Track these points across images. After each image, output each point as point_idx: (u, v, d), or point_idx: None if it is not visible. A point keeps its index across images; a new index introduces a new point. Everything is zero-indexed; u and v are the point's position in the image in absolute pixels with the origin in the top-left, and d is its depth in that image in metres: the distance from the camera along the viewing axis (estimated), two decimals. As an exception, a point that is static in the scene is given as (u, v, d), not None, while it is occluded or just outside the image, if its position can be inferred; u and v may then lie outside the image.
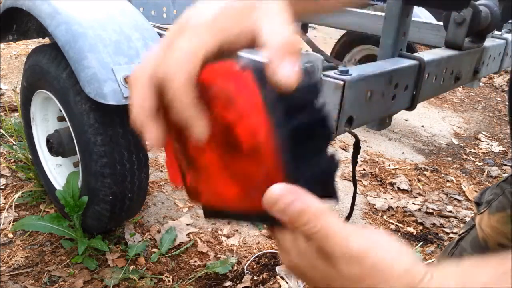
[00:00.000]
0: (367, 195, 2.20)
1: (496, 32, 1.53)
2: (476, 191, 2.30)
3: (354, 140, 0.91)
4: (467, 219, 1.61)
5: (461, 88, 4.32)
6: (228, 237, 1.76)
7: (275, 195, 0.32)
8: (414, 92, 1.08)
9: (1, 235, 1.62)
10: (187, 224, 1.80)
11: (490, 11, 1.16)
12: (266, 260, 1.63)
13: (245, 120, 0.32)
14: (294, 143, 0.32)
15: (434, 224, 2.01)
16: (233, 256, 1.63)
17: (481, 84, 4.40)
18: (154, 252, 1.61)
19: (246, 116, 0.32)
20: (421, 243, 1.85)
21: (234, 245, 1.71)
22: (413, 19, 1.18)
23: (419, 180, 2.40)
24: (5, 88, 3.01)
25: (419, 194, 2.27)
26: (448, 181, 2.43)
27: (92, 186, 1.40)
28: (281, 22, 0.35)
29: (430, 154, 2.79)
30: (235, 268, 1.57)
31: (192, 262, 1.59)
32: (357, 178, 2.18)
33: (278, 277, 1.54)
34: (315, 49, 2.29)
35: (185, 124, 0.33)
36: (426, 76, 1.09)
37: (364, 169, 2.46)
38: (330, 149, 0.35)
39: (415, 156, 2.73)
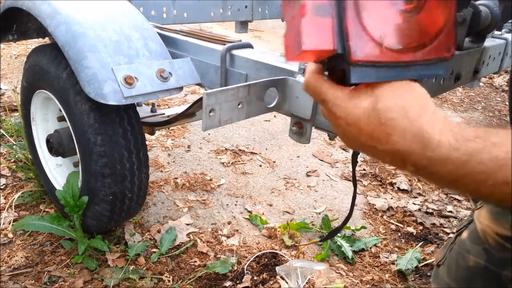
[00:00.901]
0: (367, 195, 2.20)
1: (496, 32, 1.53)
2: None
3: (354, 140, 0.91)
4: (467, 219, 1.62)
5: (461, 88, 4.31)
6: (228, 237, 1.76)
7: None
8: (414, 92, 1.08)
9: (1, 235, 1.62)
10: (187, 224, 1.80)
11: (490, 11, 1.16)
12: (266, 260, 1.63)
13: None
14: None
15: (434, 224, 2.01)
16: (233, 256, 1.63)
17: (481, 84, 4.39)
18: (154, 252, 1.61)
19: None
20: (421, 243, 1.85)
21: (234, 245, 1.71)
22: (413, 19, 1.17)
23: (419, 180, 2.40)
24: (5, 88, 3.01)
25: (419, 194, 2.27)
26: (448, 181, 2.42)
27: (92, 186, 1.40)
28: None
29: (430, 154, 2.79)
30: (235, 268, 1.57)
31: (192, 262, 1.59)
32: (357, 178, 2.18)
33: (278, 277, 1.54)
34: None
35: None
36: (426, 76, 1.08)
37: (364, 169, 2.46)
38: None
39: (415, 156, 2.73)
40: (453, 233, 1.95)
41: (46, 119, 1.70)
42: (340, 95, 0.48)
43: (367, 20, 0.42)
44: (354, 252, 1.73)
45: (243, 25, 2.34)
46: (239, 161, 2.39)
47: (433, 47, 0.44)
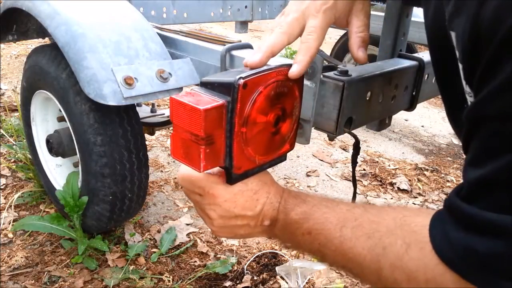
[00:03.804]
0: (367, 195, 2.20)
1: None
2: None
3: (354, 140, 0.91)
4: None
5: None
6: (228, 237, 1.76)
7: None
8: (414, 93, 1.08)
9: (1, 235, 1.62)
10: (187, 224, 1.80)
11: None
12: (266, 260, 1.63)
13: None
14: None
15: (434, 224, 2.01)
16: (233, 256, 1.63)
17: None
18: (154, 252, 1.61)
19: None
20: (421, 243, 1.85)
21: (234, 245, 1.71)
22: (412, 19, 1.18)
23: (419, 180, 2.40)
24: (5, 88, 3.01)
25: (419, 194, 2.27)
26: (448, 181, 2.43)
27: (92, 186, 1.40)
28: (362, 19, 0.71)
29: (430, 154, 2.79)
30: (235, 268, 1.58)
31: (192, 262, 1.59)
32: (357, 178, 2.18)
33: (278, 277, 1.54)
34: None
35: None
36: (426, 76, 1.09)
37: (364, 169, 2.46)
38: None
39: (415, 156, 2.73)
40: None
41: (46, 119, 1.70)
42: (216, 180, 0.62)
43: (247, 146, 0.60)
44: (354, 252, 1.73)
45: (243, 25, 2.34)
46: (239, 161, 2.38)
47: (283, 147, 0.67)
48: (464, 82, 0.47)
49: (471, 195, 0.44)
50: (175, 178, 2.13)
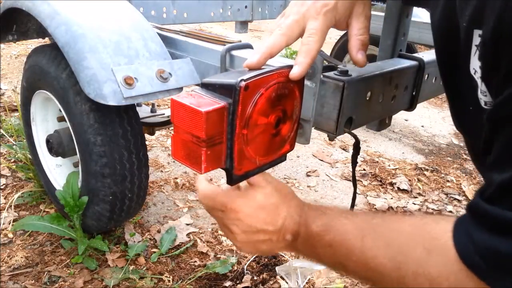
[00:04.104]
0: (367, 195, 2.20)
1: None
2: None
3: (354, 140, 0.91)
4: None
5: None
6: (228, 237, 1.76)
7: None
8: (414, 93, 1.08)
9: (1, 235, 1.62)
10: (187, 224, 1.80)
11: None
12: (266, 260, 1.63)
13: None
14: None
15: (434, 224, 2.01)
16: (233, 256, 1.63)
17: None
18: (154, 252, 1.61)
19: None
20: (421, 243, 1.85)
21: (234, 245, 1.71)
22: (413, 19, 1.18)
23: (419, 180, 2.40)
24: (5, 88, 3.01)
25: (419, 194, 2.27)
26: (448, 181, 2.43)
27: (92, 186, 1.40)
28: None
29: (430, 154, 2.79)
30: (235, 268, 1.58)
31: (192, 262, 1.59)
32: (357, 178, 2.18)
33: (278, 277, 1.54)
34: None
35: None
36: (426, 76, 1.09)
37: (364, 169, 2.46)
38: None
39: (415, 156, 2.73)
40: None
41: (46, 119, 1.70)
42: (234, 193, 0.63)
43: (248, 148, 0.60)
44: (354, 252, 1.73)
45: (243, 25, 2.34)
46: (239, 161, 2.38)
47: (283, 148, 0.67)
48: (479, 81, 0.47)
49: (495, 197, 0.43)
50: (175, 178, 2.14)
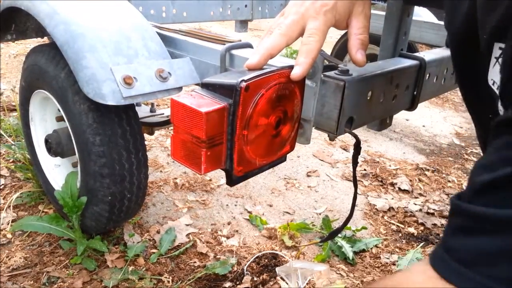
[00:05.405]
0: (367, 196, 2.19)
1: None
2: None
3: (355, 140, 0.90)
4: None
5: (462, 87, 4.29)
6: (227, 237, 1.75)
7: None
8: (415, 92, 1.07)
9: (0, 236, 1.61)
10: (187, 225, 1.79)
11: None
12: (266, 261, 1.62)
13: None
14: None
15: (435, 224, 2.00)
16: (233, 256, 1.63)
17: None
18: (154, 252, 1.60)
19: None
20: (422, 244, 1.84)
21: (234, 245, 1.70)
22: (414, 18, 1.17)
23: (420, 180, 2.39)
24: (3, 88, 3.00)
25: (420, 194, 2.27)
26: (449, 181, 2.42)
27: (90, 187, 1.39)
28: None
29: (431, 154, 2.78)
30: (235, 269, 1.57)
31: (191, 262, 1.58)
32: (357, 178, 2.17)
33: (278, 278, 1.53)
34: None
35: None
36: (427, 76, 1.08)
37: (364, 169, 2.45)
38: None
39: (416, 156, 2.72)
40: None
41: (44, 119, 1.69)
42: None
43: (248, 148, 0.60)
44: (355, 252, 1.73)
45: (243, 24, 2.33)
46: (239, 161, 2.38)
47: (283, 149, 0.67)
48: (497, 92, 0.48)
49: (475, 195, 0.43)
50: (175, 178, 2.13)
